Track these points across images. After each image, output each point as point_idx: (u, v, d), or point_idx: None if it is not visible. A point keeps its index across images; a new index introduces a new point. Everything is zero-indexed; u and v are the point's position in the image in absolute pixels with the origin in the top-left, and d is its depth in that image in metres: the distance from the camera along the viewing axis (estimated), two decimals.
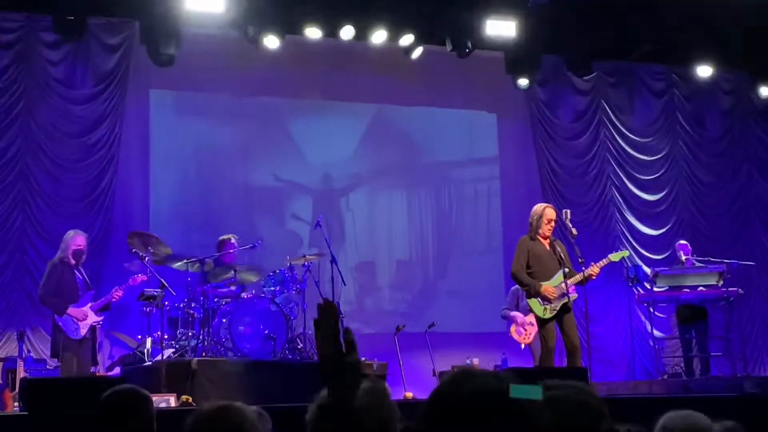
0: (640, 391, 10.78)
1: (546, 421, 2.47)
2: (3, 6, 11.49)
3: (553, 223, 8.99)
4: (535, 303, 8.88)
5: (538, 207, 9.25)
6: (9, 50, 11.49)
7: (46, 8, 11.47)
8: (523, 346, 11.18)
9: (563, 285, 8.79)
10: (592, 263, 9.02)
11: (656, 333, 12.78)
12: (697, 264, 12.16)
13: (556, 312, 8.81)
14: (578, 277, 8.91)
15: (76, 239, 9.86)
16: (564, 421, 2.50)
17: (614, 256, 9.57)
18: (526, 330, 11.04)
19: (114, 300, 9.91)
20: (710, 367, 12.07)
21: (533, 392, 2.07)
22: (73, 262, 9.80)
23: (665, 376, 12.11)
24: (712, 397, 8.56)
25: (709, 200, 14.44)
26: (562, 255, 8.95)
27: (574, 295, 8.86)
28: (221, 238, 10.93)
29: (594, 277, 9.09)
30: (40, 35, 11.62)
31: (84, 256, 9.99)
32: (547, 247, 8.99)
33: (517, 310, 11.14)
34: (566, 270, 8.85)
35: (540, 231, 8.96)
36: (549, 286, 8.82)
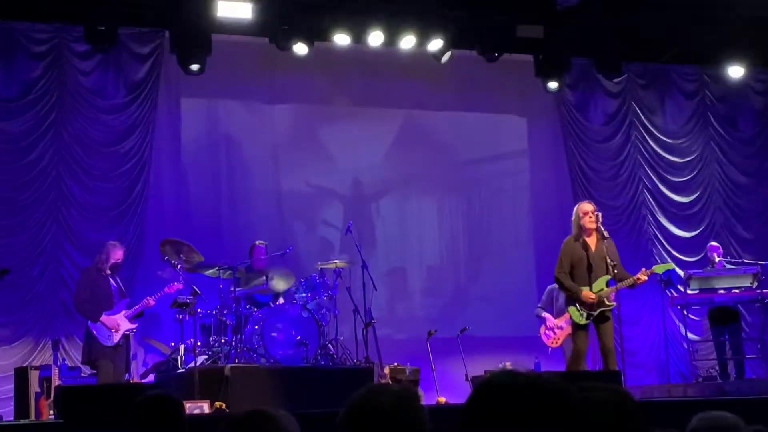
0: (674, 394, 10.71)
1: (582, 423, 2.46)
2: (35, 17, 11.60)
3: (591, 215, 8.78)
4: (573, 309, 8.79)
5: (576, 206, 9.16)
6: (41, 61, 11.59)
7: (77, 19, 11.54)
8: (550, 349, 11.15)
9: (604, 292, 8.68)
10: (643, 269, 8.95)
11: (690, 336, 12.67)
12: (730, 266, 12.05)
13: (593, 318, 8.72)
14: (624, 284, 8.80)
15: (117, 252, 9.97)
16: (600, 424, 2.49)
17: (658, 268, 9.50)
18: (555, 333, 10.99)
19: (148, 308, 10.02)
20: (745, 370, 11.98)
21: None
22: (109, 272, 9.90)
23: (700, 379, 12.02)
24: (747, 400, 8.49)
25: (743, 201, 14.29)
26: (611, 258, 8.72)
27: (612, 304, 8.73)
28: (253, 244, 10.98)
29: (640, 283, 8.98)
30: (72, 45, 11.71)
31: (120, 268, 10.11)
32: (594, 248, 8.78)
33: (552, 309, 11.09)
34: (611, 276, 8.71)
35: (582, 226, 8.81)
36: (590, 294, 8.69)
